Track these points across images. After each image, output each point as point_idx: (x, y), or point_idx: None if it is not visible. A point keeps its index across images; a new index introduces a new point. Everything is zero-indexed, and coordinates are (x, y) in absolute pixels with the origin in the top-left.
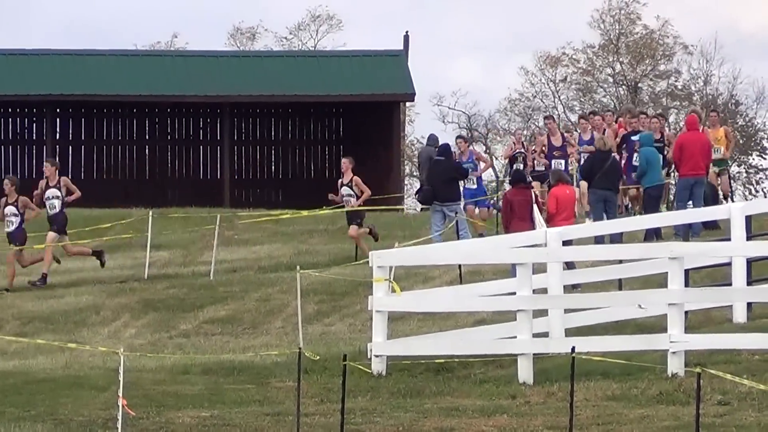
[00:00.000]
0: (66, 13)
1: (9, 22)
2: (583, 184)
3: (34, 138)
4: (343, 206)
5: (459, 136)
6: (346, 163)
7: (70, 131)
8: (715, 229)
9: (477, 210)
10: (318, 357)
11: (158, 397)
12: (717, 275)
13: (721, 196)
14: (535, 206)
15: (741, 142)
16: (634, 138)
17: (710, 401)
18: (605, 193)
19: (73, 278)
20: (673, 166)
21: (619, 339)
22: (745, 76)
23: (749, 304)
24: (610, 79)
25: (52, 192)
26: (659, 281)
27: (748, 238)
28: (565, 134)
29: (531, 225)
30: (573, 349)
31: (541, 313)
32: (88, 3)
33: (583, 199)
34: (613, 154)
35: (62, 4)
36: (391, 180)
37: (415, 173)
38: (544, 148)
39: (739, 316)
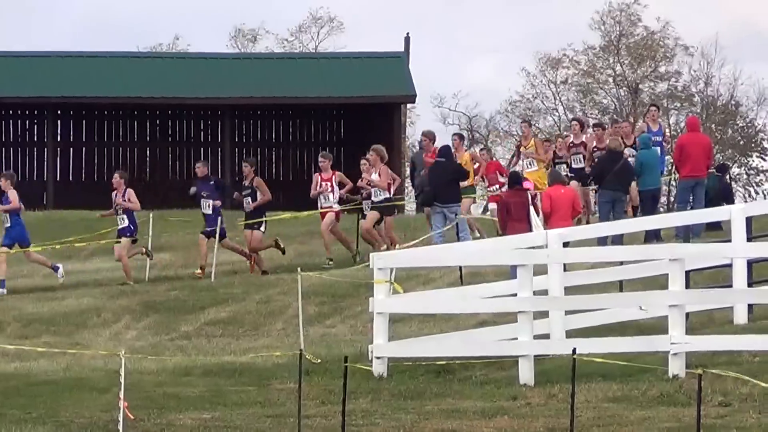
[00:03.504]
0: (67, 15)
1: (10, 25)
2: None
3: (35, 140)
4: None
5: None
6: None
7: (71, 133)
8: (718, 230)
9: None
10: (319, 360)
11: (159, 398)
12: (718, 277)
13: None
14: (531, 208)
15: (741, 143)
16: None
17: (711, 402)
18: (615, 193)
19: (73, 280)
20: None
21: (620, 340)
22: (746, 78)
23: (750, 306)
24: (611, 81)
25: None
26: (660, 283)
27: (749, 240)
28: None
29: (528, 226)
30: (574, 350)
31: (542, 314)
32: (90, 5)
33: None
34: (624, 156)
35: (63, 7)
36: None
37: None
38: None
39: (740, 317)
